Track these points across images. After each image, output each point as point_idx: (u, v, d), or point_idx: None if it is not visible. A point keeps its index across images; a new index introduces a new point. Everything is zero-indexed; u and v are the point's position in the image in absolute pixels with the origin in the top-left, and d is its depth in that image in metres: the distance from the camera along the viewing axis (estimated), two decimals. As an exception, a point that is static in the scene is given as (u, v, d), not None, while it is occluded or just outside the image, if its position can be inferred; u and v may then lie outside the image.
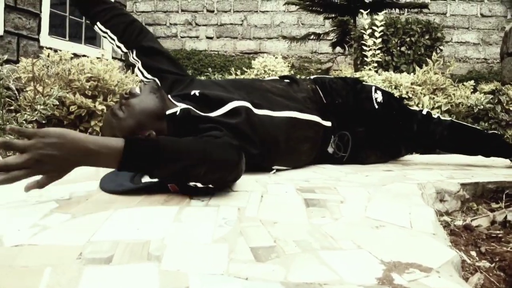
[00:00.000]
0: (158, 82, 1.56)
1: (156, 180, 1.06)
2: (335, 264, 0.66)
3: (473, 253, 0.91)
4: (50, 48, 2.71)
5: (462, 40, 7.87)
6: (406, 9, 6.71)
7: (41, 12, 4.62)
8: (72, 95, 2.33)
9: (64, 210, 0.93)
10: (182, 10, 8.28)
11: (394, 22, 4.20)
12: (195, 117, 1.31)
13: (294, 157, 1.57)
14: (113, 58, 5.36)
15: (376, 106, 1.71)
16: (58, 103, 2.03)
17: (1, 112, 1.78)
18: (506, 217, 1.13)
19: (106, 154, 0.91)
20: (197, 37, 8.28)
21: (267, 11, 8.19)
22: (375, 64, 3.44)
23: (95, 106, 2.38)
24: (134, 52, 1.63)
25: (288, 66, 3.84)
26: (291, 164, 1.58)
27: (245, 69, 3.78)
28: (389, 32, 4.10)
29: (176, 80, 1.57)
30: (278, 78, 1.81)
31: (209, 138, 1.13)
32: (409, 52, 4.12)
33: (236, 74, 3.88)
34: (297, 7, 6.77)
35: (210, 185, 1.04)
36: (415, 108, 2.44)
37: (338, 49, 6.72)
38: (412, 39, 4.13)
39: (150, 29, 1.86)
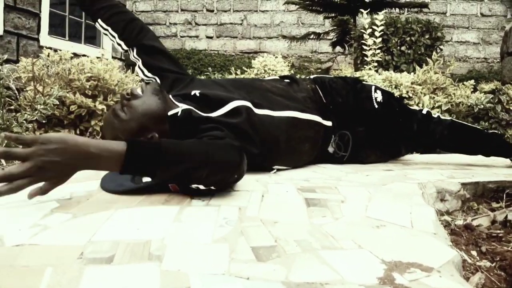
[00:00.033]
0: (159, 81, 1.57)
1: None
2: (336, 264, 0.66)
3: (474, 253, 0.91)
4: (50, 48, 2.71)
5: (462, 40, 7.86)
6: (406, 9, 6.70)
7: (40, 11, 4.62)
8: (72, 95, 2.32)
9: (64, 210, 0.93)
10: (182, 10, 8.28)
11: (394, 22, 4.19)
12: (196, 118, 1.31)
13: (295, 157, 1.57)
14: (113, 57, 5.36)
15: (376, 106, 1.71)
16: (58, 103, 2.03)
17: (1, 112, 1.78)
18: (506, 216, 1.13)
19: (108, 158, 0.91)
20: (197, 36, 8.28)
21: (267, 11, 8.19)
22: (375, 64, 3.44)
23: (95, 106, 2.38)
24: (135, 50, 1.63)
25: (288, 65, 3.84)
26: (291, 164, 1.58)
27: (245, 69, 3.78)
28: (389, 31, 4.10)
29: (177, 79, 1.57)
30: (278, 78, 1.81)
31: (210, 140, 1.13)
32: (409, 51, 4.11)
33: (236, 74, 3.88)
34: (297, 6, 6.76)
35: (212, 187, 1.04)
36: (415, 107, 2.44)
37: (338, 48, 6.71)
38: (412, 38, 4.13)
39: (150, 28, 1.86)
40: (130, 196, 1.05)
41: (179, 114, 1.29)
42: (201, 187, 1.02)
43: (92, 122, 2.41)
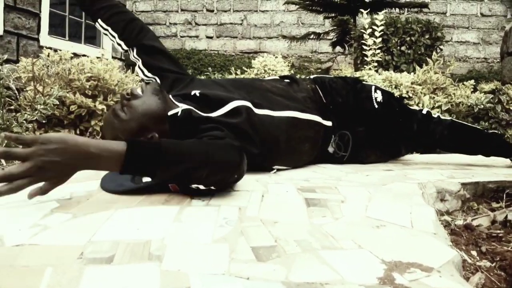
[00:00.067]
0: (159, 81, 1.57)
1: None
2: (336, 264, 0.66)
3: (474, 253, 0.91)
4: (50, 48, 2.70)
5: (462, 40, 7.87)
6: (406, 9, 6.70)
7: (40, 11, 4.62)
8: (72, 95, 2.32)
9: (64, 209, 0.93)
10: (182, 10, 8.28)
11: (394, 22, 4.19)
12: (196, 118, 1.31)
13: (295, 157, 1.57)
14: (113, 57, 5.36)
15: (376, 106, 1.71)
16: (58, 103, 2.03)
17: (1, 112, 1.78)
18: (506, 216, 1.13)
19: (108, 158, 0.91)
20: (197, 36, 8.28)
21: (267, 11, 8.19)
22: (375, 64, 3.44)
23: (95, 106, 2.38)
24: (135, 50, 1.64)
25: (288, 65, 3.84)
26: (291, 164, 1.58)
27: (245, 69, 3.78)
28: (389, 31, 4.10)
29: (177, 79, 1.57)
30: (278, 78, 1.81)
31: (210, 140, 1.13)
32: (409, 51, 4.11)
33: (236, 74, 3.88)
34: (297, 6, 6.76)
35: (212, 187, 1.04)
36: (415, 107, 2.44)
37: (338, 48, 6.71)
38: (412, 38, 4.13)
39: (150, 28, 1.87)
40: (130, 196, 1.05)
41: (179, 114, 1.29)
42: (201, 187, 1.02)
43: (92, 122, 2.41)
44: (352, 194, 1.13)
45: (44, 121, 1.98)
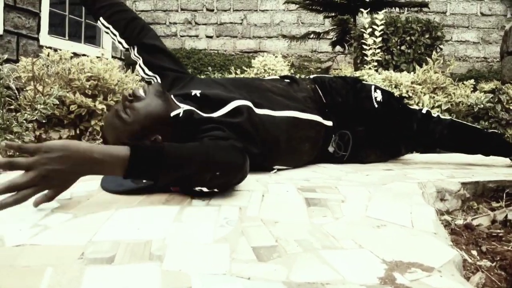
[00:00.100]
0: (159, 79, 1.58)
1: None
2: (337, 264, 0.66)
3: (474, 252, 0.91)
4: (50, 47, 2.70)
5: (462, 39, 7.87)
6: (406, 8, 6.71)
7: (40, 11, 4.62)
8: (72, 95, 2.32)
9: (65, 209, 0.93)
10: (182, 9, 8.28)
11: (394, 21, 4.19)
12: (197, 119, 1.30)
13: (296, 156, 1.57)
14: (113, 57, 5.36)
15: (376, 105, 1.71)
16: (58, 103, 2.02)
17: (1, 111, 1.77)
18: (506, 216, 1.13)
19: (112, 163, 0.90)
20: (196, 36, 8.28)
21: (266, 10, 8.19)
22: (375, 63, 3.43)
23: (95, 106, 2.38)
24: (136, 49, 1.64)
25: (288, 65, 3.84)
26: (292, 163, 1.57)
27: (245, 68, 3.78)
28: (389, 31, 4.10)
29: (177, 77, 1.58)
30: (278, 77, 1.81)
31: (212, 141, 1.13)
32: (409, 51, 4.11)
33: (236, 73, 3.88)
34: (297, 6, 6.76)
35: (216, 190, 1.05)
36: (415, 107, 2.44)
37: (338, 48, 6.72)
38: (412, 38, 4.13)
39: (151, 27, 1.88)
40: (130, 196, 1.05)
41: (180, 115, 1.29)
42: (205, 189, 1.03)
43: (92, 122, 2.41)
44: (352, 193, 1.13)
45: (44, 121, 1.98)
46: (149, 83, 1.65)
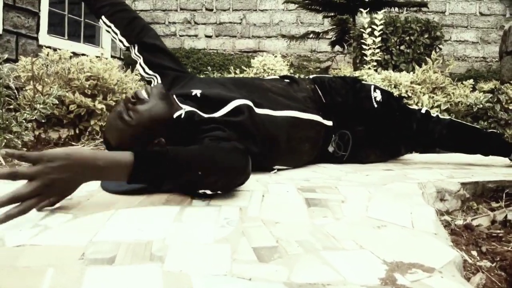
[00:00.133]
0: (159, 78, 1.59)
1: None
2: (338, 265, 0.66)
3: (474, 253, 0.92)
4: (49, 47, 2.70)
5: (461, 39, 7.88)
6: (405, 8, 6.71)
7: (40, 10, 4.61)
8: (71, 94, 2.32)
9: (65, 210, 0.93)
10: (181, 9, 8.27)
11: (393, 21, 4.20)
12: (199, 120, 1.30)
13: (295, 156, 1.57)
14: (112, 56, 5.35)
15: (376, 105, 1.71)
16: (57, 102, 2.02)
17: (1, 111, 1.77)
18: (506, 216, 1.14)
19: (116, 170, 0.90)
20: (196, 35, 8.27)
21: (266, 10, 8.18)
22: (375, 63, 3.43)
23: (94, 105, 2.38)
24: (136, 48, 1.66)
25: (287, 65, 3.84)
26: (292, 163, 1.58)
27: (244, 68, 3.78)
28: (388, 31, 4.10)
29: (177, 76, 1.59)
30: (278, 77, 1.81)
31: (212, 140, 1.13)
32: (408, 51, 4.12)
33: (235, 73, 3.87)
34: (296, 5, 6.76)
35: (219, 191, 1.05)
36: (414, 107, 2.44)
37: (337, 47, 6.72)
38: (412, 38, 4.13)
39: (152, 27, 1.89)
40: (130, 196, 1.05)
41: (182, 116, 1.29)
42: (208, 192, 1.03)
43: (92, 122, 2.41)
44: (352, 194, 1.13)
45: (43, 121, 1.97)
46: (149, 82, 1.66)
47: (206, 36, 8.26)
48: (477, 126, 1.98)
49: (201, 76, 4.22)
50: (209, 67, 5.96)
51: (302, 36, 6.73)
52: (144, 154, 0.93)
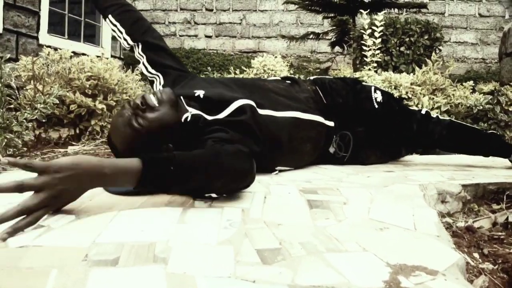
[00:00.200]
0: (162, 77, 1.61)
1: None
2: (342, 267, 0.66)
3: (476, 255, 0.92)
4: (49, 46, 2.70)
5: (460, 40, 7.89)
6: (405, 9, 6.72)
7: (40, 10, 4.60)
8: (72, 94, 2.32)
9: (68, 211, 0.93)
10: (181, 9, 8.27)
11: (393, 22, 4.20)
12: (204, 123, 1.30)
13: (297, 157, 1.57)
14: (112, 56, 5.34)
15: (376, 106, 1.71)
16: (58, 102, 2.02)
17: (1, 110, 1.77)
18: (507, 218, 1.14)
19: (123, 177, 0.90)
20: (196, 35, 8.27)
21: (266, 10, 8.19)
22: (375, 64, 3.44)
23: (95, 105, 2.38)
24: (140, 47, 1.68)
25: (287, 65, 3.84)
26: (293, 164, 1.58)
27: (244, 68, 3.78)
28: (388, 32, 4.10)
29: (179, 76, 1.61)
30: (279, 78, 1.81)
31: (220, 147, 1.12)
32: (408, 52, 4.12)
33: (235, 73, 3.87)
34: (296, 6, 6.76)
35: (224, 194, 1.06)
36: (414, 108, 2.44)
37: (337, 48, 6.72)
38: (412, 39, 4.14)
39: (155, 29, 1.91)
40: (132, 197, 1.05)
41: (189, 119, 1.28)
42: (214, 195, 1.04)
43: (92, 122, 2.41)
44: (354, 195, 1.13)
45: (44, 120, 1.97)
46: (151, 81, 1.66)
47: (206, 36, 8.26)
48: (477, 127, 1.98)
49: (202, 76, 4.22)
50: (209, 67, 5.96)
51: (302, 36, 6.73)
52: (152, 161, 0.92)
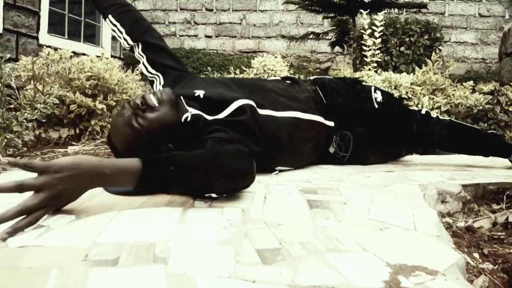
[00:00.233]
0: (162, 77, 1.61)
1: None
2: (342, 267, 0.66)
3: (476, 255, 0.92)
4: (49, 46, 2.70)
5: (460, 40, 7.89)
6: (405, 9, 6.72)
7: (40, 10, 4.60)
8: (72, 94, 2.32)
9: (68, 211, 0.93)
10: (181, 9, 8.27)
11: (393, 22, 4.20)
12: (205, 123, 1.30)
13: (297, 157, 1.57)
14: (112, 56, 5.34)
15: (376, 106, 1.72)
16: (58, 102, 2.02)
17: (1, 110, 1.77)
18: (507, 218, 1.14)
19: (123, 177, 0.90)
20: (196, 35, 8.27)
21: (266, 10, 8.19)
22: (375, 64, 3.44)
23: (95, 105, 2.38)
24: (140, 47, 1.68)
25: (287, 65, 3.84)
26: (293, 164, 1.58)
27: (244, 68, 3.78)
28: (388, 32, 4.10)
29: (179, 76, 1.61)
30: (279, 78, 1.81)
31: (219, 147, 1.12)
32: (408, 52, 4.12)
33: (235, 73, 3.87)
34: (296, 6, 6.76)
35: (224, 194, 1.06)
36: (414, 108, 2.44)
37: (337, 48, 6.72)
38: (412, 39, 4.14)
39: (155, 29, 1.91)
40: (132, 197, 1.05)
41: (189, 119, 1.28)
42: (214, 195, 1.04)
43: (92, 122, 2.41)
44: (354, 195, 1.13)
45: (44, 120, 1.97)
46: (151, 81, 1.66)
47: (206, 36, 8.26)
48: (477, 127, 1.98)
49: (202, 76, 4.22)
50: (209, 67, 5.96)
51: (302, 36, 6.74)
52: (152, 161, 0.92)
